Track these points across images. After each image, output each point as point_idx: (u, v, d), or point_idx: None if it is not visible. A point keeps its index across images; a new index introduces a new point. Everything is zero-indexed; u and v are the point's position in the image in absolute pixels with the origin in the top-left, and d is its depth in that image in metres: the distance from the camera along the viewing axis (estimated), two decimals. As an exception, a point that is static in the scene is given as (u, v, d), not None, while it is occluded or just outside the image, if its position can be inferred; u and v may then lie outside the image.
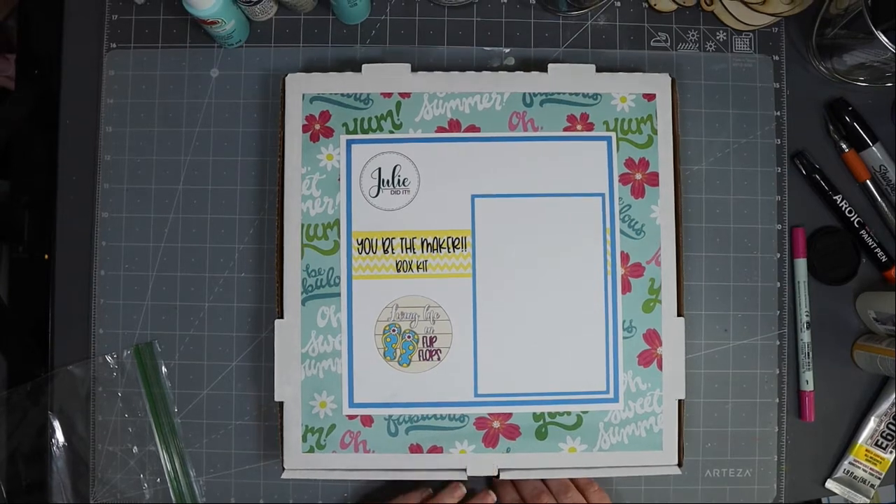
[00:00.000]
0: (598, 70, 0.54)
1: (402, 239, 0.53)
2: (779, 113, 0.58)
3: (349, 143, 0.54)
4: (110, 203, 0.57)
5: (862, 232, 0.57)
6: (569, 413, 0.53)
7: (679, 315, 0.53)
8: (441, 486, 0.54)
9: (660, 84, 0.54)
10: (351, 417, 0.53)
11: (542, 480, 0.54)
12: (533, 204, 0.54)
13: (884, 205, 0.57)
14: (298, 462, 0.52)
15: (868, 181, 0.57)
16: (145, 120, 0.57)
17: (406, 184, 0.54)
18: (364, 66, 0.54)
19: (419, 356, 0.53)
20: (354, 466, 0.52)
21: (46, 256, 0.57)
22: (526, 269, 0.53)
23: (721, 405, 0.56)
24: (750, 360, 0.57)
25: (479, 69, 0.56)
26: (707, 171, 0.57)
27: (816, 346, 0.57)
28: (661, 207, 0.54)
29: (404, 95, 0.54)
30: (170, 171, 0.57)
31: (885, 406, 0.57)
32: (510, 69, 0.57)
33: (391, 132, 0.54)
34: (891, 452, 0.57)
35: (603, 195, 0.54)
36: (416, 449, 0.53)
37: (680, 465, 0.53)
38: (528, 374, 0.53)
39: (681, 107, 0.56)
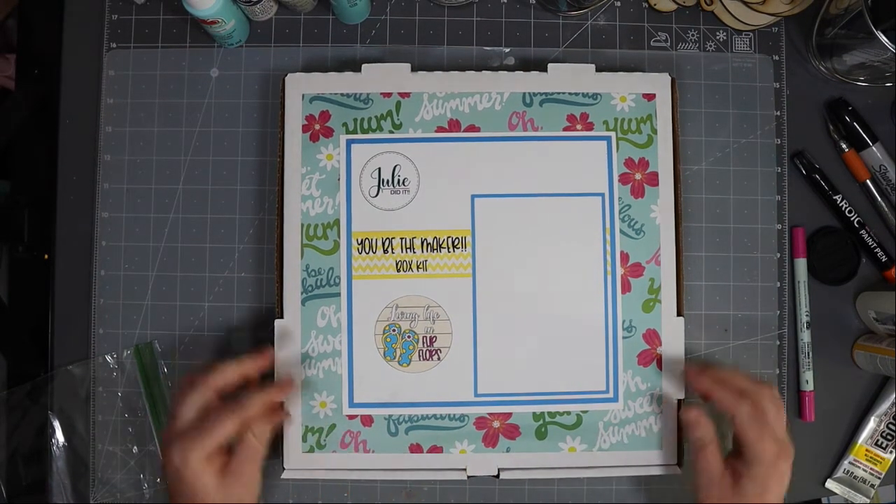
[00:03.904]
0: (598, 70, 0.54)
1: (401, 239, 0.53)
2: (779, 113, 0.58)
3: (349, 142, 0.54)
4: (110, 203, 0.57)
5: (862, 232, 0.57)
6: (568, 413, 0.53)
7: (679, 315, 0.53)
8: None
9: (660, 84, 0.54)
10: (351, 417, 0.53)
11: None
12: (533, 204, 0.54)
13: (884, 205, 0.57)
14: (298, 462, 0.52)
15: (868, 181, 0.57)
16: (145, 120, 0.57)
17: (406, 184, 0.54)
18: (364, 66, 0.54)
19: (419, 356, 0.53)
20: (354, 466, 0.52)
21: (46, 256, 0.57)
22: (526, 268, 0.53)
23: (721, 405, 0.56)
24: (750, 360, 0.57)
25: (478, 69, 0.56)
26: (707, 170, 0.57)
27: (816, 346, 0.57)
28: (660, 207, 0.54)
29: (404, 95, 0.54)
30: (170, 171, 0.57)
31: (885, 406, 0.57)
32: (510, 69, 0.57)
33: (391, 132, 0.54)
34: (891, 452, 0.57)
35: (603, 195, 0.54)
36: (416, 449, 0.53)
37: (680, 464, 0.53)
38: (527, 374, 0.53)
39: (681, 107, 0.56)
